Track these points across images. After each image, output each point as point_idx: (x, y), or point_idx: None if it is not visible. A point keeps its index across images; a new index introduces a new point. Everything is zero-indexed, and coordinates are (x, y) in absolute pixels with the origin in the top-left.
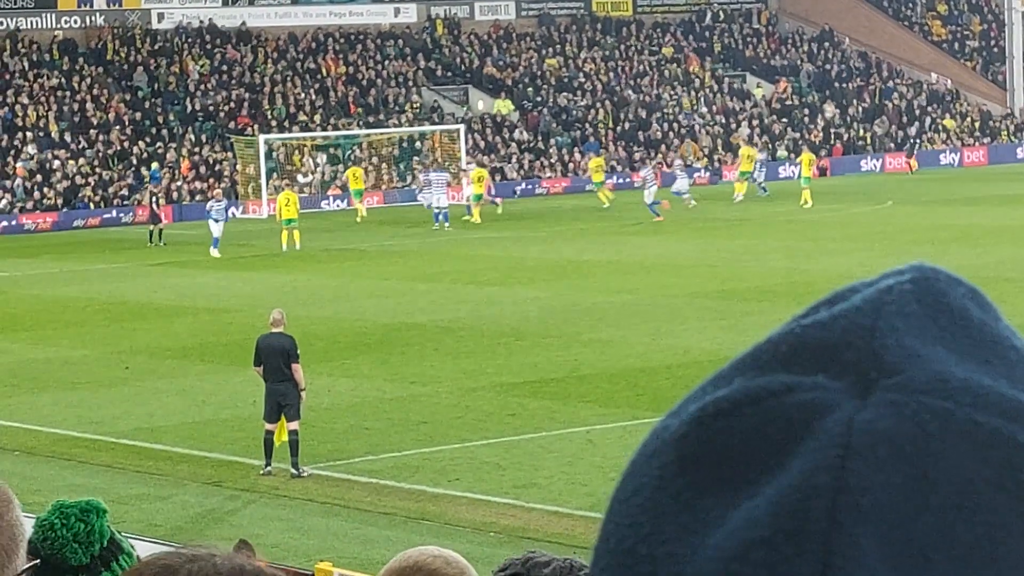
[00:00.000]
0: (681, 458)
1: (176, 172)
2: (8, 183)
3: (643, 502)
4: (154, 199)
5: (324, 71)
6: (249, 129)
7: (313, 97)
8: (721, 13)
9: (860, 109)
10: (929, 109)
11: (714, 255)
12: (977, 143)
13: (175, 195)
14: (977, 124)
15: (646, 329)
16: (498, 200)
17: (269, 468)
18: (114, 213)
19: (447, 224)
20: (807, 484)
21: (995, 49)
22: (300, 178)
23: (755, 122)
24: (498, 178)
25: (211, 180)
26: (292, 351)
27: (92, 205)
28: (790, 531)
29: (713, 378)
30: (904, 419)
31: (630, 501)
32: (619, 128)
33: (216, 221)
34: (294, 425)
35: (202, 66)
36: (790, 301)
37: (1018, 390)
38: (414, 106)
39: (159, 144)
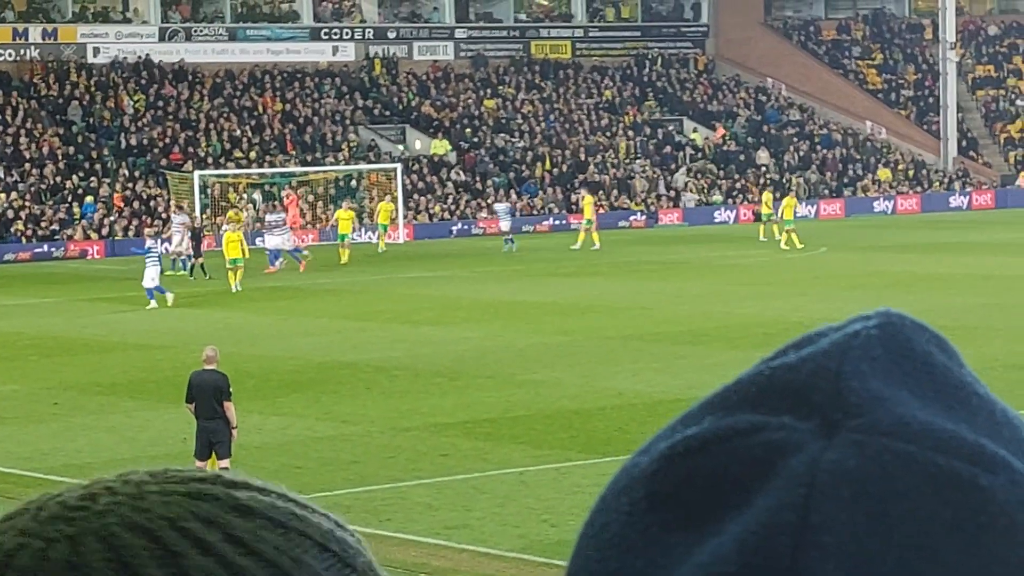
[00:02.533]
0: (650, 495)
1: (110, 207)
2: None
3: (611, 537)
4: (189, 233)
5: (261, 108)
6: (184, 165)
7: (249, 134)
8: (659, 58)
9: (796, 156)
10: (863, 157)
11: (648, 297)
12: (911, 191)
13: (106, 231)
14: (911, 173)
15: (580, 371)
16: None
17: None
18: (45, 248)
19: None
20: (772, 521)
21: (930, 99)
22: (240, 215)
23: (691, 167)
24: (435, 219)
25: (144, 217)
26: (225, 388)
27: (24, 239)
28: (755, 567)
29: (683, 417)
30: (867, 459)
31: (599, 536)
32: (556, 171)
33: (151, 267)
34: (225, 463)
35: (137, 101)
36: (724, 344)
37: (979, 435)
38: (351, 145)
39: (92, 179)
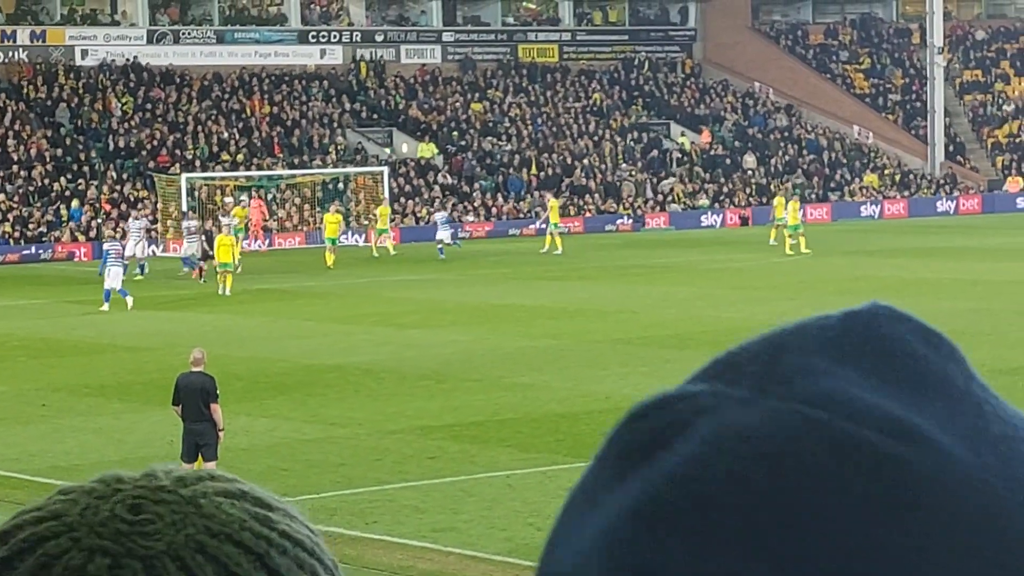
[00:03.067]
0: (598, 457)
1: (98, 209)
2: None
3: (568, 498)
4: (203, 237)
5: (248, 111)
6: (171, 168)
7: (237, 137)
8: (646, 62)
9: (783, 160)
10: (850, 161)
11: (637, 301)
12: (898, 196)
13: (94, 233)
14: (897, 177)
15: (568, 374)
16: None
17: None
18: (33, 249)
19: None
20: (671, 474)
21: (917, 103)
22: (222, 218)
23: (678, 170)
24: (421, 222)
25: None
26: (212, 391)
27: (11, 241)
28: (652, 516)
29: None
30: (774, 423)
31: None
32: (543, 174)
33: (112, 266)
34: (211, 465)
35: (125, 103)
36: (711, 348)
37: (925, 418)
38: (338, 148)
39: (80, 181)
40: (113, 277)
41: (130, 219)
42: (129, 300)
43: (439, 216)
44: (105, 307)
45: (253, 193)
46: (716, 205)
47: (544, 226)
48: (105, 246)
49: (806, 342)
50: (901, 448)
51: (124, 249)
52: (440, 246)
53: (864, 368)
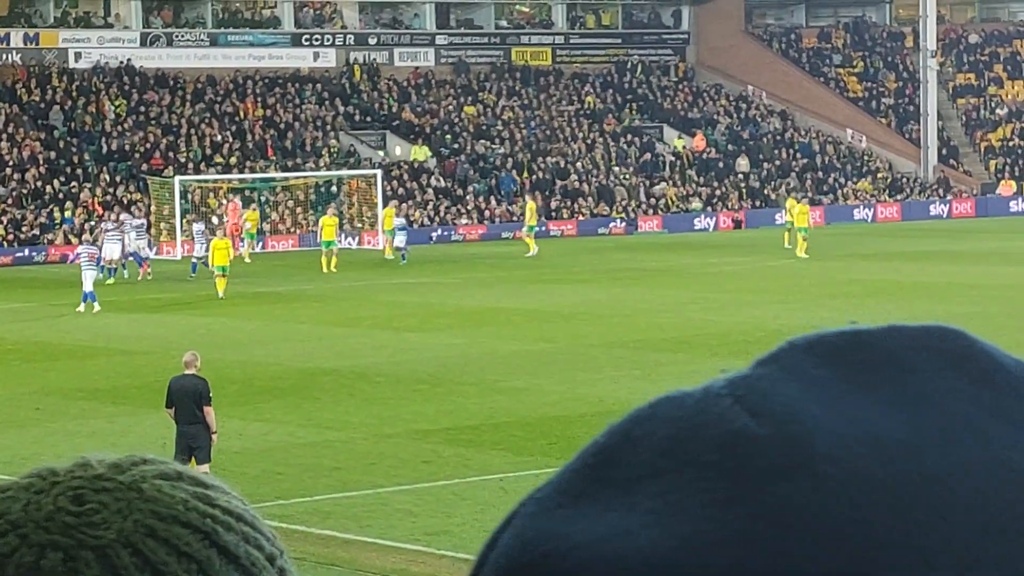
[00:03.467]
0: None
1: (91, 212)
2: None
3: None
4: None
5: (242, 114)
6: (165, 170)
7: (230, 139)
8: (639, 65)
9: (775, 163)
10: (843, 165)
11: (630, 305)
12: (891, 199)
13: (87, 235)
14: (890, 181)
15: (562, 378)
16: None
17: None
18: (26, 252)
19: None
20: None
21: (910, 107)
22: (215, 220)
23: (672, 174)
24: (415, 225)
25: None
26: (205, 393)
27: (5, 244)
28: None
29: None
30: (704, 401)
31: None
32: (536, 177)
33: (87, 270)
34: (204, 468)
35: (118, 106)
36: (704, 352)
37: (835, 415)
38: (331, 150)
39: (73, 184)
40: (87, 280)
41: (124, 221)
42: (96, 305)
43: (396, 222)
44: (82, 307)
45: (231, 196)
46: (709, 208)
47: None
48: (78, 249)
49: (814, 342)
50: (756, 428)
51: (101, 252)
52: (401, 252)
53: (842, 373)
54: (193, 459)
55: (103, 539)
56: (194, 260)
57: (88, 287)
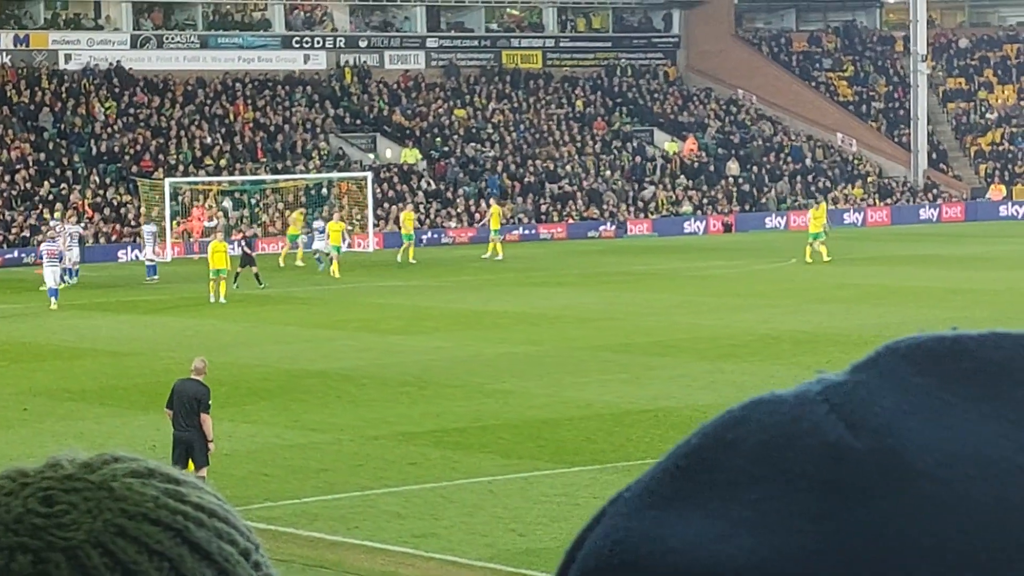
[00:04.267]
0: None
1: (81, 214)
2: None
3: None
4: (244, 241)
5: (232, 116)
6: (154, 172)
7: (220, 142)
8: (629, 68)
9: (765, 167)
10: (833, 169)
11: (619, 308)
12: (881, 203)
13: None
14: (880, 185)
15: (549, 381)
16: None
17: None
18: (16, 253)
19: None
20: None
21: (900, 111)
22: (208, 224)
23: (661, 177)
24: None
25: (114, 224)
26: (204, 400)
27: None
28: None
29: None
30: (799, 407)
31: None
32: (526, 180)
33: (48, 267)
34: (202, 472)
35: (108, 108)
36: (692, 356)
37: (931, 428)
38: (321, 153)
39: (63, 185)
40: (48, 276)
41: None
42: (54, 301)
43: (319, 225)
44: (54, 303)
45: (200, 200)
46: (699, 212)
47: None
48: (41, 247)
49: (910, 348)
50: (853, 441)
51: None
52: (318, 255)
53: (944, 382)
54: (191, 463)
55: (72, 540)
56: (148, 263)
57: (51, 283)
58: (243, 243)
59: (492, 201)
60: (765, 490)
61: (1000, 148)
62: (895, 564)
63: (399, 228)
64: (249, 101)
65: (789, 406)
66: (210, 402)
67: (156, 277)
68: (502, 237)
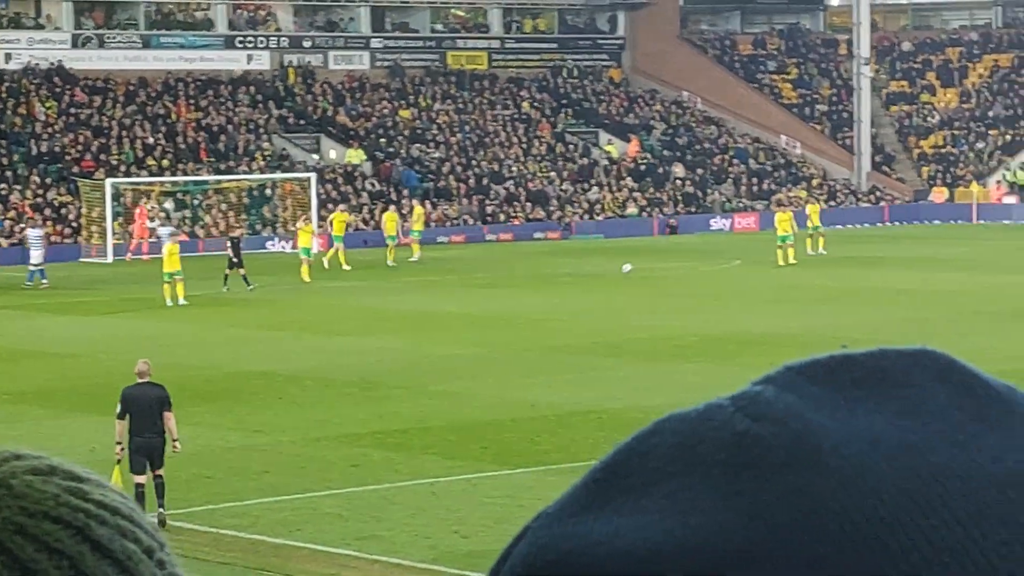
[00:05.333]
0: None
1: (22, 215)
2: None
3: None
4: (231, 242)
5: (174, 116)
6: (95, 173)
7: (162, 142)
8: (575, 70)
9: (710, 169)
10: (778, 171)
11: (564, 309)
12: (825, 205)
13: (16, 239)
14: (825, 187)
15: (494, 382)
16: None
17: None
18: None
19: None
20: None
21: (844, 114)
22: (150, 224)
23: (607, 179)
24: (349, 229)
25: (56, 224)
26: (166, 400)
27: None
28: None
29: None
30: (708, 411)
31: None
32: (471, 181)
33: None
34: (160, 472)
35: (49, 108)
36: (638, 357)
37: (838, 422)
38: (265, 154)
39: (3, 186)
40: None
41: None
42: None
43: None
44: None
45: (143, 200)
46: (645, 214)
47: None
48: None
49: (810, 367)
50: (761, 429)
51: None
52: (32, 270)
53: (837, 389)
54: (149, 467)
55: None
56: (31, 268)
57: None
58: (231, 244)
59: (415, 202)
60: (680, 482)
61: (943, 151)
62: (806, 528)
63: (383, 230)
64: (192, 101)
65: (698, 413)
66: (170, 399)
67: (46, 282)
68: (396, 240)
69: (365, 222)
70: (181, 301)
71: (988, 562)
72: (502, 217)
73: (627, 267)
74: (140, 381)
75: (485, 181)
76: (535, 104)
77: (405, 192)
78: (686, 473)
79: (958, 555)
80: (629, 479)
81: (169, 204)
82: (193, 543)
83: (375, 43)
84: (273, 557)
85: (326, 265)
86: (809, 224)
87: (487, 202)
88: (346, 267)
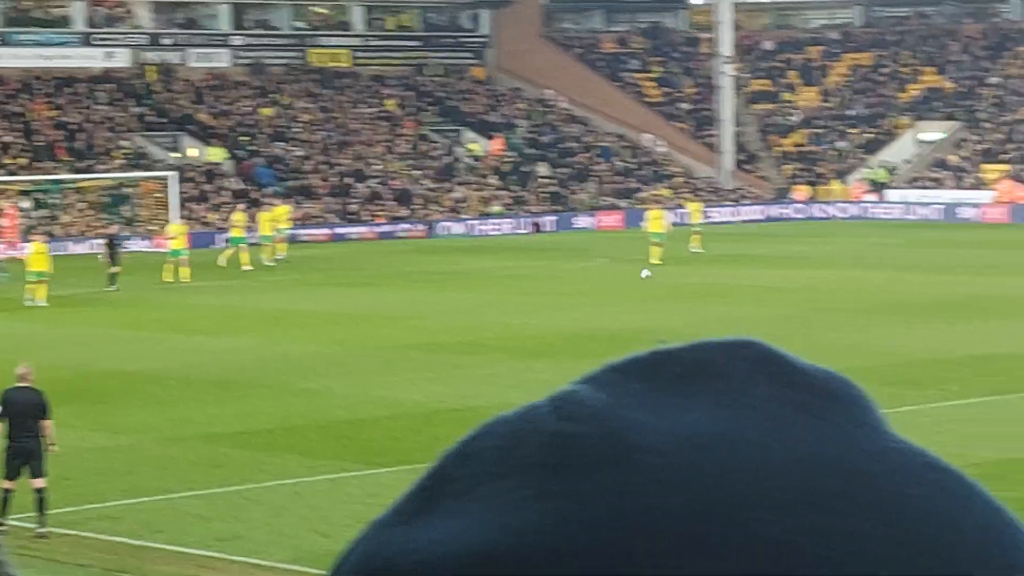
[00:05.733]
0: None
1: None
2: None
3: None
4: (109, 240)
5: (31, 114)
6: None
7: (19, 141)
8: (439, 68)
9: (575, 168)
10: (642, 169)
11: (426, 307)
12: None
13: None
14: (689, 185)
15: (355, 380)
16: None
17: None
18: None
19: None
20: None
21: (707, 112)
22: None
23: (471, 177)
24: (210, 227)
25: None
26: (47, 407)
27: None
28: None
29: None
30: (528, 413)
31: None
32: (334, 180)
33: None
34: (41, 482)
35: None
36: (501, 355)
37: (659, 417)
38: (124, 152)
39: None
40: None
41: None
42: None
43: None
44: None
45: (4, 202)
46: (509, 212)
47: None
48: None
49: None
50: (574, 428)
51: None
52: None
53: (655, 384)
54: (29, 472)
55: None
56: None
57: None
58: (108, 242)
59: (278, 201)
60: (499, 484)
61: (804, 149)
62: (618, 527)
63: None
64: (49, 99)
65: (518, 415)
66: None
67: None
68: (246, 239)
69: (226, 221)
70: (41, 302)
71: (806, 552)
72: (365, 216)
73: (645, 272)
74: (20, 384)
75: (348, 179)
76: (399, 102)
77: (269, 191)
78: (505, 475)
79: (775, 546)
80: (454, 484)
81: (26, 204)
82: (49, 546)
83: (236, 40)
84: (132, 559)
85: (223, 263)
86: (692, 221)
87: (350, 201)
88: (246, 267)
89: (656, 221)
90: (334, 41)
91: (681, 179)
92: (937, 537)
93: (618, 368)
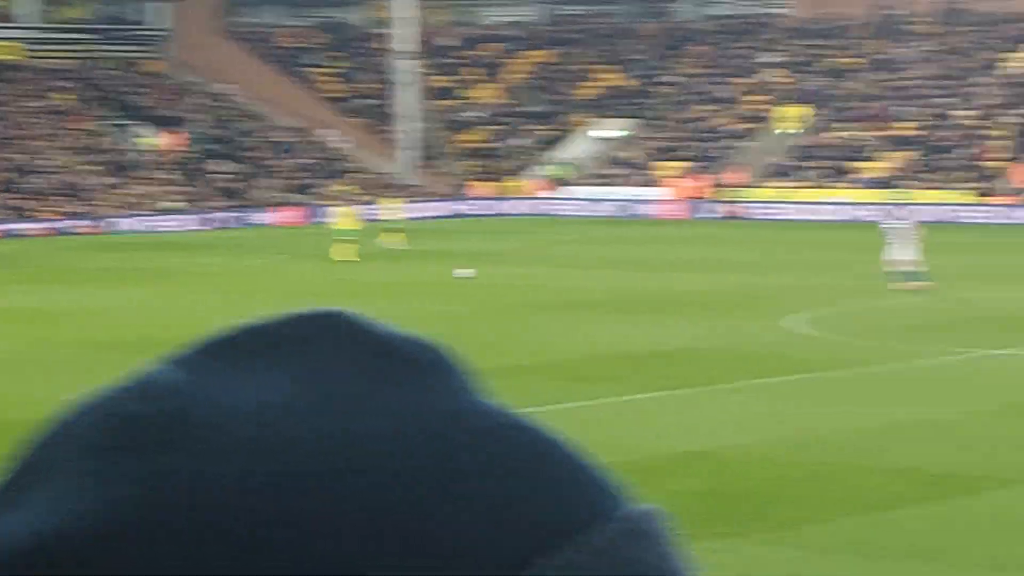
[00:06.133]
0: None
1: None
2: None
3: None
4: None
5: None
6: None
7: None
8: (114, 61)
9: (254, 163)
10: (321, 165)
11: (98, 304)
12: (368, 200)
13: None
14: (369, 182)
15: (23, 380)
16: None
17: None
18: None
19: None
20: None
21: (387, 109)
22: None
23: (147, 172)
24: None
25: None
26: None
27: None
28: None
29: None
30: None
31: None
32: (3, 175)
33: None
34: None
35: None
36: (150, 351)
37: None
38: None
39: None
40: None
41: None
42: None
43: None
44: None
45: None
46: (186, 208)
47: None
48: None
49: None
50: (136, 408)
51: None
52: None
53: (233, 360)
54: None
55: None
56: None
57: None
58: None
59: None
60: (60, 469)
61: (485, 146)
62: (168, 505)
63: None
64: None
65: (94, 398)
66: None
67: None
68: None
69: None
70: None
71: (357, 520)
72: (36, 212)
73: (463, 272)
74: None
75: (18, 175)
76: (72, 95)
77: None
78: (67, 460)
79: (322, 517)
80: (38, 472)
81: None
82: None
83: None
84: None
85: None
86: (382, 217)
87: (20, 196)
88: None
89: (346, 219)
90: (4, 33)
91: (361, 175)
92: (511, 492)
93: (202, 345)
